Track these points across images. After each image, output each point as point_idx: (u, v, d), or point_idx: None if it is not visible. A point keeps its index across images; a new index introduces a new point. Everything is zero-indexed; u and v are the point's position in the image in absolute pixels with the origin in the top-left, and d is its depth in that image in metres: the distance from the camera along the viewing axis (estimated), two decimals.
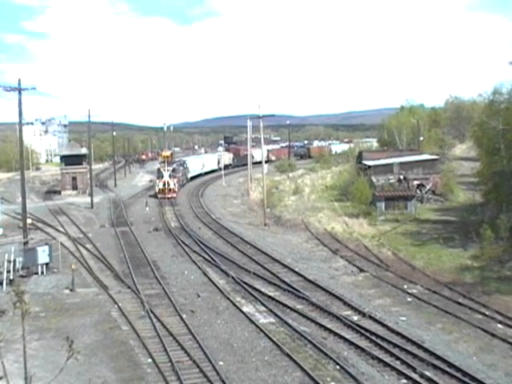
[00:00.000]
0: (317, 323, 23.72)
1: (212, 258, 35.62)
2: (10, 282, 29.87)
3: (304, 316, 24.70)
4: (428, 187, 57.10)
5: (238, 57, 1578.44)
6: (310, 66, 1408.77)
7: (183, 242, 40.76)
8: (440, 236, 39.88)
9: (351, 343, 21.42)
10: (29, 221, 40.06)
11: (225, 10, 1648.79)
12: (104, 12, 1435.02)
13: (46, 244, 35.45)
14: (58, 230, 47.57)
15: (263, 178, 55.82)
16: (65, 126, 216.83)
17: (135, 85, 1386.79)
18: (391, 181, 57.52)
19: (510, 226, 34.08)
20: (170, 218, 53.46)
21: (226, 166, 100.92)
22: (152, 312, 25.45)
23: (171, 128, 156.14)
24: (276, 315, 24.78)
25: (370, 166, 61.19)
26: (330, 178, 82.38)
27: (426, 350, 20.47)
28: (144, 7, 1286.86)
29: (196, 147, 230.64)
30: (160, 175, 69.89)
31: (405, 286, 28.81)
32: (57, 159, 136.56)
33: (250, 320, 24.33)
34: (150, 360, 20.55)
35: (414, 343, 21.14)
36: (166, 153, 79.63)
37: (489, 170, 43.87)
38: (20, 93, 34.64)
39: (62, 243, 38.17)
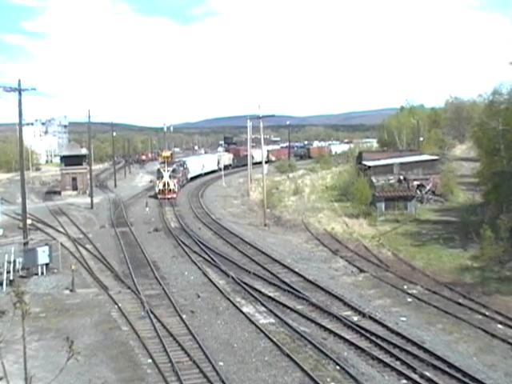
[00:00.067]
0: (317, 323, 23.72)
1: (212, 259, 35.63)
2: (10, 283, 29.85)
3: (304, 316, 24.70)
4: (428, 188, 57.10)
5: (238, 57, 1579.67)
6: (310, 66, 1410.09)
7: (183, 243, 40.76)
8: (440, 236, 39.89)
9: (351, 344, 21.42)
10: (29, 221, 40.05)
11: (224, 9, 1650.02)
12: (104, 12, 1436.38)
13: (46, 244, 35.44)
14: (58, 231, 47.57)
15: (263, 179, 55.82)
16: (65, 126, 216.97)
17: (135, 85, 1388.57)
18: (391, 181, 57.50)
19: (510, 227, 34.05)
20: (170, 218, 53.46)
21: (226, 167, 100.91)
22: (152, 312, 25.45)
23: (171, 128, 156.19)
24: (276, 315, 24.78)
25: (369, 167, 61.20)
26: (330, 178, 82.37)
27: (426, 350, 20.47)
28: (144, 7, 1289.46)
29: (196, 148, 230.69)
30: (160, 176, 69.87)
31: (405, 287, 28.80)
32: (57, 160, 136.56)
33: (250, 320, 24.33)
34: (150, 360, 20.56)
35: (414, 343, 21.14)
36: (166, 153, 79.56)
37: (489, 170, 43.89)
38: (20, 93, 34.62)
39: (62, 244, 38.18)
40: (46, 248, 33.87)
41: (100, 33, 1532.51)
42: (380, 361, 19.79)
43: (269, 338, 22.10)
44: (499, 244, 32.90)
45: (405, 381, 18.42)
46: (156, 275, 32.10)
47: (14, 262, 32.22)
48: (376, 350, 20.79)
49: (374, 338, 21.76)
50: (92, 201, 62.66)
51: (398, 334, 22.18)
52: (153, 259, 36.31)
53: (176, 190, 68.85)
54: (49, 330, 24.03)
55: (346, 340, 21.78)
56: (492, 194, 42.46)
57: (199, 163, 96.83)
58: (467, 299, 26.36)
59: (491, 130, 42.29)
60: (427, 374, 18.55)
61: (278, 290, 28.80)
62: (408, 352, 20.35)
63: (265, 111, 58.06)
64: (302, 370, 19.12)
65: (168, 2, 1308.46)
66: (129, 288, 29.92)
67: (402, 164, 59.59)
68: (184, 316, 25.02)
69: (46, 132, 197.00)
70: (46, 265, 33.45)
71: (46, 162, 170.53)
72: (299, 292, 27.89)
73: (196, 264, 34.70)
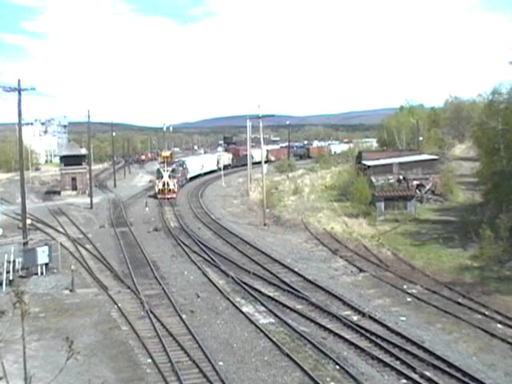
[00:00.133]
0: (316, 323, 23.72)
1: (212, 258, 35.62)
2: (10, 283, 29.86)
3: (304, 316, 24.71)
4: (427, 187, 57.09)
5: (237, 57, 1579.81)
6: (309, 66, 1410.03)
7: (183, 243, 40.76)
8: (440, 236, 39.89)
9: (351, 343, 21.42)
10: (28, 221, 40.02)
11: (223, 10, 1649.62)
12: (104, 12, 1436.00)
13: (46, 244, 35.45)
14: (58, 231, 47.56)
15: (263, 178, 55.82)
16: (64, 126, 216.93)
17: (135, 85, 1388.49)
18: (391, 181, 57.46)
19: (510, 226, 34.05)
20: (169, 218, 53.47)
21: (226, 167, 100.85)
22: (152, 312, 25.45)
23: (171, 128, 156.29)
24: (276, 315, 24.77)
25: (369, 166, 61.16)
26: (329, 178, 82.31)
27: (425, 349, 20.48)
28: (144, 7, 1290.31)
29: (195, 147, 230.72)
30: (159, 176, 69.89)
31: (404, 286, 28.81)
32: (56, 159, 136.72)
33: (250, 320, 24.33)
34: (149, 360, 20.56)
35: (413, 343, 21.14)
36: (166, 153, 79.56)
37: (488, 169, 43.87)
38: (20, 93, 34.60)
39: (61, 244, 38.15)
40: (46, 248, 33.86)
41: (99, 33, 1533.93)
42: (380, 360, 19.79)
43: (268, 338, 22.10)
44: (499, 244, 32.90)
45: (404, 380, 18.42)
46: (156, 275, 32.10)
47: (14, 261, 32.21)
48: (376, 349, 20.79)
49: (373, 337, 21.76)
50: (91, 201, 62.64)
51: (397, 333, 22.18)
52: (152, 259, 36.31)
53: (175, 189, 68.86)
54: (48, 330, 24.02)
55: (345, 340, 21.78)
56: (491, 194, 42.46)
57: (199, 163, 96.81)
58: (467, 299, 26.36)
59: (491, 129, 42.29)
60: (427, 373, 18.55)
61: (277, 290, 28.80)
62: (408, 351, 20.36)
63: (264, 111, 58.20)
64: (302, 369, 19.12)
65: (168, 2, 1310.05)
66: (128, 288, 29.92)
67: (401, 164, 59.56)
68: (184, 316, 25.02)
69: (45, 132, 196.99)
70: (46, 265, 33.44)
71: (46, 161, 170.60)
72: (299, 292, 27.89)
73: (196, 264, 34.70)
